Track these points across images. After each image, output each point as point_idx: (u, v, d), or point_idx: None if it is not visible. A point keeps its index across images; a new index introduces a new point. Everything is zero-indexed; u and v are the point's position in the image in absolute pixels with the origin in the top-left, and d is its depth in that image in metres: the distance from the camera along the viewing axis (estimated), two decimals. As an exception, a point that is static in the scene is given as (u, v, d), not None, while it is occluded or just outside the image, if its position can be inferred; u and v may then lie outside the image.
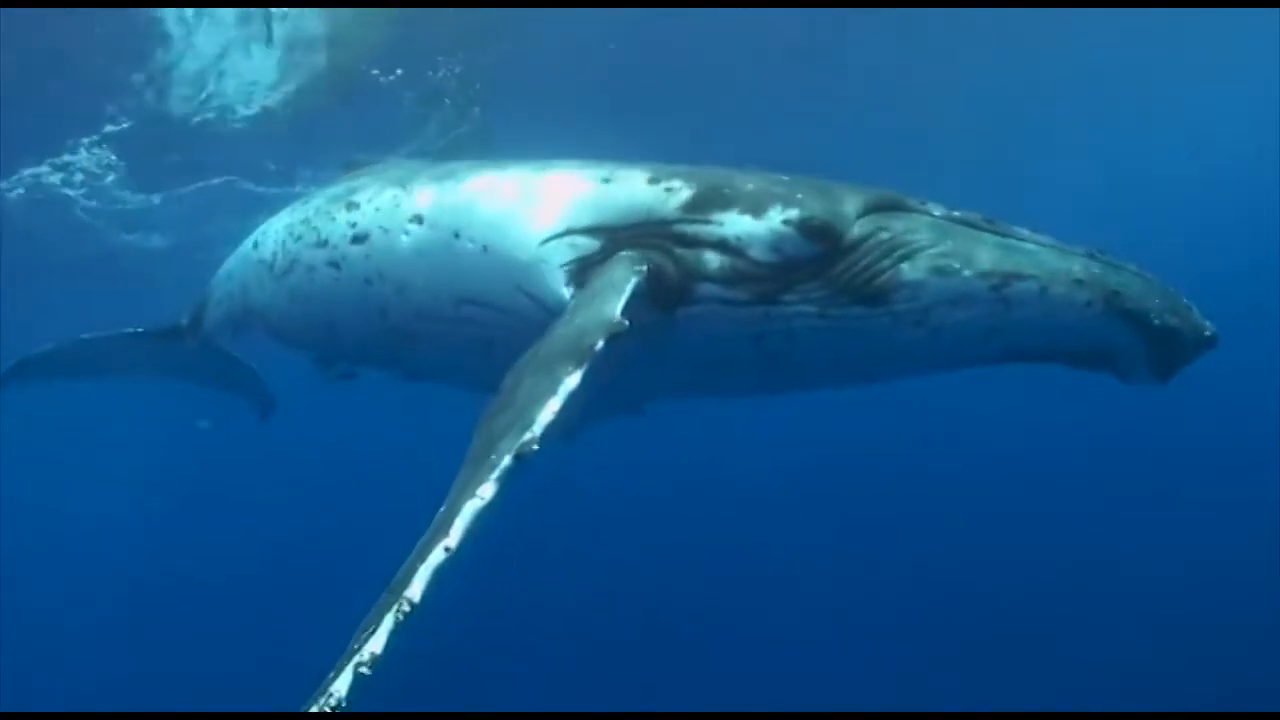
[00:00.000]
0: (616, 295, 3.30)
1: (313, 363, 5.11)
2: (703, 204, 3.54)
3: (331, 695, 2.32)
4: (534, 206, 3.78)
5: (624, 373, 3.40)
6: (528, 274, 3.68)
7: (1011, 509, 15.80)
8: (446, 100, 12.28)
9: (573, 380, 2.99)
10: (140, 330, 5.91)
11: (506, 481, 2.74)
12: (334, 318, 4.46)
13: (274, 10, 10.17)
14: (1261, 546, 12.88)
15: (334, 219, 4.39)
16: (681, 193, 3.59)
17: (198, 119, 11.80)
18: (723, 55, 13.10)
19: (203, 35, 10.36)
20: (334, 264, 4.30)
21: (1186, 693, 10.64)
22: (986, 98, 16.64)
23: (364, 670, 2.37)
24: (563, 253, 3.64)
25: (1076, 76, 16.84)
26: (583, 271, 3.58)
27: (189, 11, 9.93)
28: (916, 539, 15.48)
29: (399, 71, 11.54)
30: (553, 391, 2.96)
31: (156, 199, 13.58)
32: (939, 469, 16.81)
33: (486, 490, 2.70)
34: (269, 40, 10.47)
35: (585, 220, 3.66)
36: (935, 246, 3.36)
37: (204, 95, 11.37)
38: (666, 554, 15.36)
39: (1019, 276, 3.31)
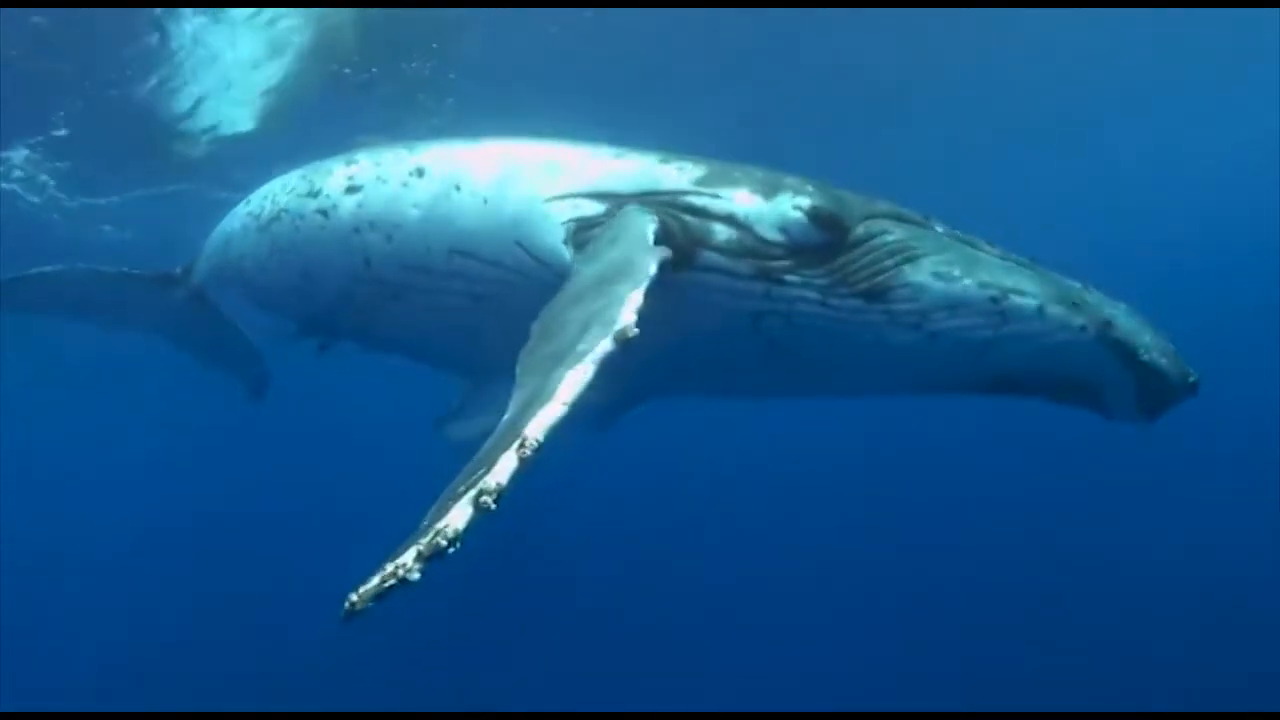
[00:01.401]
0: (644, 232, 3.33)
1: (294, 333, 5.01)
2: (713, 181, 3.59)
3: (447, 528, 2.14)
4: (540, 169, 3.80)
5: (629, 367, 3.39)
6: (527, 228, 3.69)
7: (1008, 508, 15.78)
8: (420, 95, 12.20)
9: (636, 298, 2.91)
10: (136, 271, 5.84)
11: (602, 365, 2.65)
12: (313, 267, 4.39)
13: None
14: (1263, 547, 12.91)
15: (330, 173, 4.37)
16: (692, 170, 3.64)
17: (169, 123, 11.66)
18: (706, 50, 12.95)
19: (174, 32, 10.20)
20: (323, 212, 4.26)
21: (1186, 692, 10.67)
22: (981, 99, 16.57)
23: (487, 501, 2.20)
24: (565, 211, 3.65)
25: (1072, 77, 16.78)
26: (582, 231, 3.59)
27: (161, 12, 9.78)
28: (916, 537, 15.54)
29: (373, 70, 11.46)
30: (620, 302, 2.90)
31: (115, 199, 13.50)
32: (937, 462, 16.76)
33: (585, 369, 2.63)
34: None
35: (592, 185, 3.68)
36: (938, 254, 3.45)
37: (173, 89, 11.18)
38: (662, 556, 15.41)
39: (1018, 292, 3.40)
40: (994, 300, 3.39)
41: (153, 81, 10.76)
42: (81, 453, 22.02)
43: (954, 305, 3.40)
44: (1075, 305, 3.41)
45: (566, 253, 3.57)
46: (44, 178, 12.42)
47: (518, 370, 2.83)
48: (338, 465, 20.60)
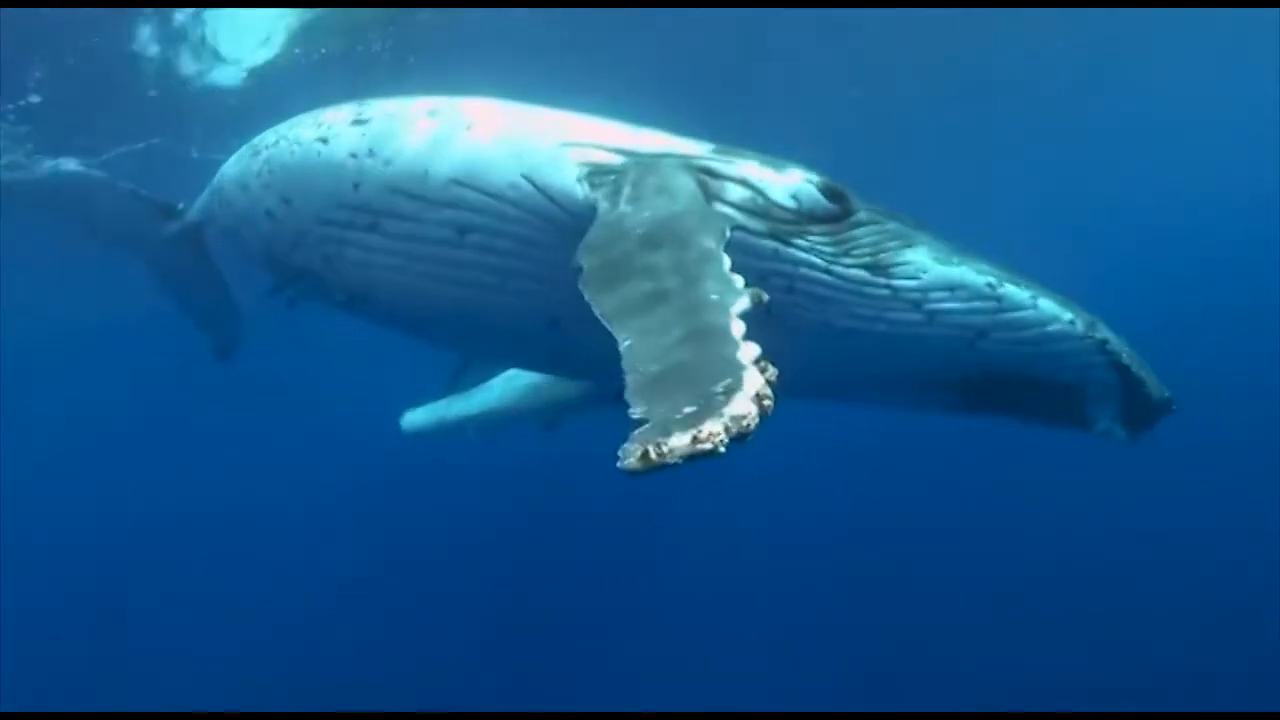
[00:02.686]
0: (694, 186, 3.42)
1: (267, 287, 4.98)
2: (727, 151, 3.72)
3: (749, 415, 2.29)
4: (558, 121, 3.87)
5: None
6: (539, 165, 3.70)
7: (1003, 506, 15.69)
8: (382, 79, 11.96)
9: (725, 257, 3.00)
10: (143, 193, 6.02)
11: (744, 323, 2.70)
12: (295, 190, 4.35)
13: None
14: (1262, 549, 12.94)
15: (340, 110, 4.39)
16: (705, 144, 3.77)
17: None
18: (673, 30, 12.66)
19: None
20: (323, 139, 4.25)
21: (1185, 692, 10.66)
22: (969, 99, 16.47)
23: (768, 406, 2.34)
24: (581, 157, 3.67)
25: (1057, 76, 16.71)
26: (597, 175, 3.60)
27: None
28: (912, 536, 15.36)
29: (322, 51, 11.32)
30: (719, 259, 2.98)
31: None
32: (934, 461, 16.59)
33: (738, 325, 2.67)
34: None
35: (610, 142, 3.73)
36: (935, 244, 3.66)
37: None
38: (657, 554, 15.19)
39: (1014, 281, 3.62)
40: (990, 286, 3.58)
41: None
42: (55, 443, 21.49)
43: (953, 287, 3.57)
44: (1065, 302, 3.63)
45: (580, 191, 3.57)
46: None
47: (600, 301, 2.92)
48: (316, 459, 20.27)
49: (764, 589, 14.41)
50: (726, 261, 2.98)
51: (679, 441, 2.23)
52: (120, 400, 20.77)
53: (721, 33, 13.03)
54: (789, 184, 3.61)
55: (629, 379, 2.58)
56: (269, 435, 20.26)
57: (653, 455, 2.21)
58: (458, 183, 3.78)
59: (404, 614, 14.57)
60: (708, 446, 2.22)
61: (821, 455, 16.95)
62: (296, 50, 11.14)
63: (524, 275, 3.70)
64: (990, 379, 3.72)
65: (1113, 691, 11.20)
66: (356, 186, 4.03)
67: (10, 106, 11.04)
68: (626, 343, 2.72)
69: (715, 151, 3.71)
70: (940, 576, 14.17)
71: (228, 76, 11.61)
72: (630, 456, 2.23)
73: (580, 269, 3.07)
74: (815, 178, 3.65)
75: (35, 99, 10.88)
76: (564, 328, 3.75)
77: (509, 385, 6.57)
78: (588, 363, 4.14)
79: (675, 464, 2.22)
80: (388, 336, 4.72)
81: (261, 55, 11.31)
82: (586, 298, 2.95)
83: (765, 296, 2.82)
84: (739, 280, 2.87)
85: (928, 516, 15.61)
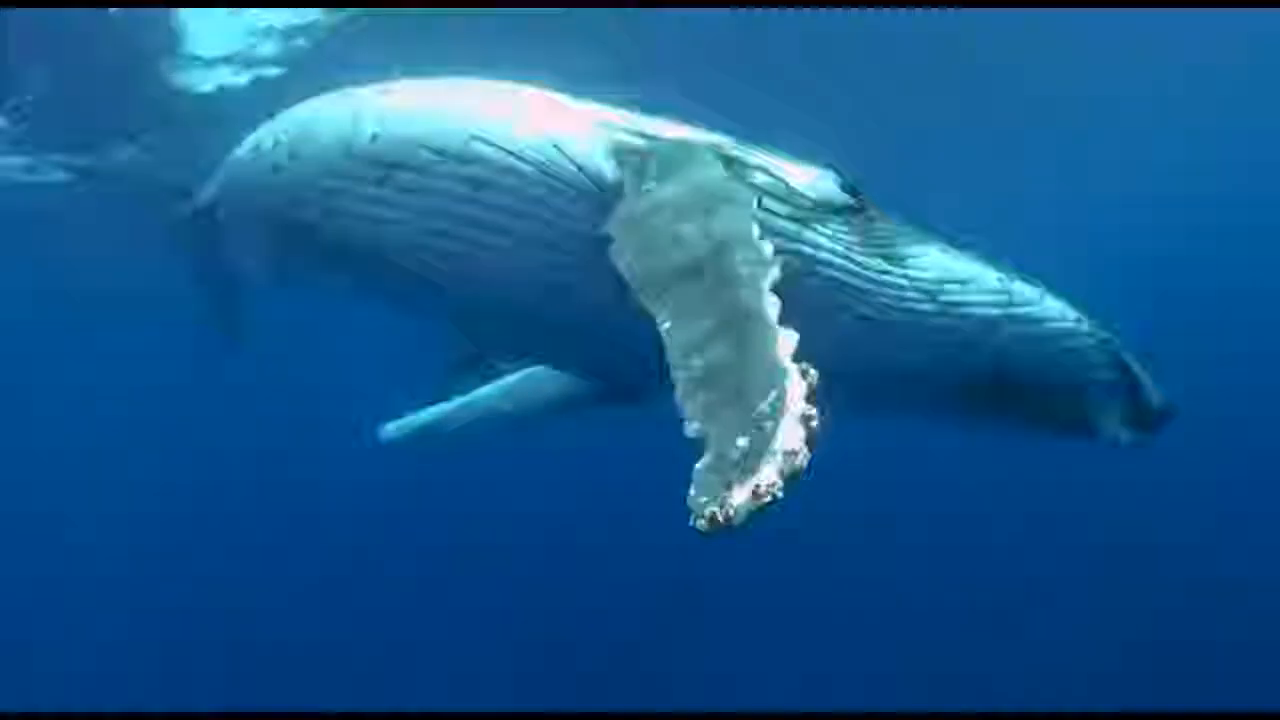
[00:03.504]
0: (719, 167, 3.48)
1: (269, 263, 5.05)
2: (748, 143, 3.80)
3: (799, 451, 2.34)
4: (581, 103, 3.92)
5: (609, 317, 3.48)
6: (564, 132, 3.74)
7: (1001, 505, 15.71)
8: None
9: (756, 229, 3.09)
10: (161, 173, 6.43)
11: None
12: (303, 144, 4.34)
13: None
14: (1262, 553, 12.97)
15: (365, 86, 4.38)
16: (725, 136, 3.83)
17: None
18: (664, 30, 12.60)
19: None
20: (345, 95, 4.33)
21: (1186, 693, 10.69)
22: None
23: (815, 429, 2.39)
24: (606, 134, 3.72)
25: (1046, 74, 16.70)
26: (621, 153, 3.65)
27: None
28: (916, 539, 15.41)
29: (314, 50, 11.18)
30: (748, 225, 3.09)
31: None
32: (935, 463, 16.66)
33: (774, 303, 2.78)
34: None
35: (633, 126, 3.78)
36: (944, 240, 3.78)
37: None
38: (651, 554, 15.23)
39: (1022, 278, 3.78)
40: (1000, 280, 3.73)
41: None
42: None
43: (965, 280, 3.70)
44: (1070, 301, 3.79)
45: (607, 165, 3.62)
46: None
47: (633, 272, 3.03)
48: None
49: (764, 590, 14.43)
50: (756, 229, 3.05)
51: (741, 498, 2.29)
52: (114, 395, 20.81)
53: (721, 33, 13.00)
54: (808, 176, 3.71)
55: (677, 375, 2.66)
56: (269, 435, 20.30)
57: (720, 519, 2.27)
58: (479, 139, 3.81)
59: (404, 613, 14.60)
60: (768, 500, 2.29)
61: (821, 454, 16.99)
62: (296, 50, 11.07)
63: (532, 239, 3.72)
64: (998, 376, 3.80)
65: (1114, 691, 11.25)
66: (375, 138, 4.05)
67: (9, 105, 11.14)
68: (665, 325, 2.83)
69: (737, 142, 3.78)
70: (942, 578, 14.23)
71: (223, 77, 11.58)
72: (699, 518, 2.29)
73: (610, 240, 3.19)
74: (831, 171, 3.76)
75: (31, 97, 10.94)
76: (564, 301, 3.79)
77: (488, 385, 6.55)
78: (585, 350, 4.18)
79: (743, 524, 2.28)
80: (390, 339, 4.67)
81: (259, 55, 11.23)
82: (619, 268, 3.06)
83: (798, 261, 2.94)
84: (768, 247, 2.95)
85: (932, 519, 15.66)
